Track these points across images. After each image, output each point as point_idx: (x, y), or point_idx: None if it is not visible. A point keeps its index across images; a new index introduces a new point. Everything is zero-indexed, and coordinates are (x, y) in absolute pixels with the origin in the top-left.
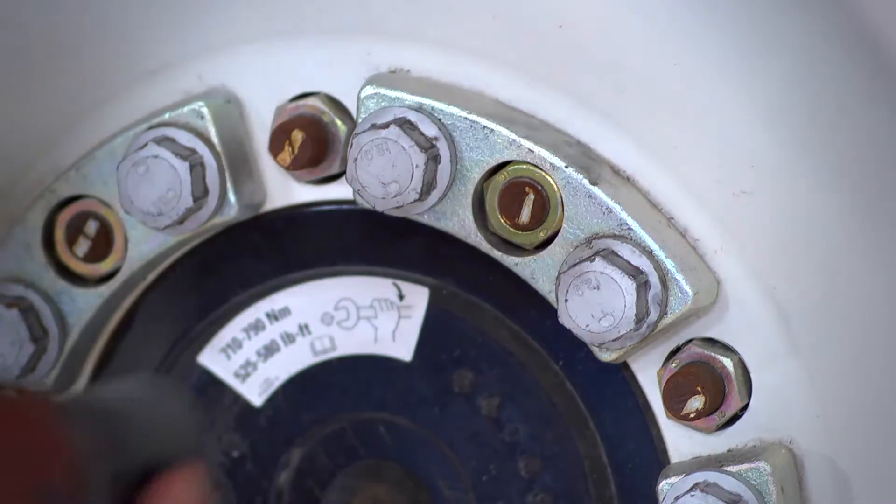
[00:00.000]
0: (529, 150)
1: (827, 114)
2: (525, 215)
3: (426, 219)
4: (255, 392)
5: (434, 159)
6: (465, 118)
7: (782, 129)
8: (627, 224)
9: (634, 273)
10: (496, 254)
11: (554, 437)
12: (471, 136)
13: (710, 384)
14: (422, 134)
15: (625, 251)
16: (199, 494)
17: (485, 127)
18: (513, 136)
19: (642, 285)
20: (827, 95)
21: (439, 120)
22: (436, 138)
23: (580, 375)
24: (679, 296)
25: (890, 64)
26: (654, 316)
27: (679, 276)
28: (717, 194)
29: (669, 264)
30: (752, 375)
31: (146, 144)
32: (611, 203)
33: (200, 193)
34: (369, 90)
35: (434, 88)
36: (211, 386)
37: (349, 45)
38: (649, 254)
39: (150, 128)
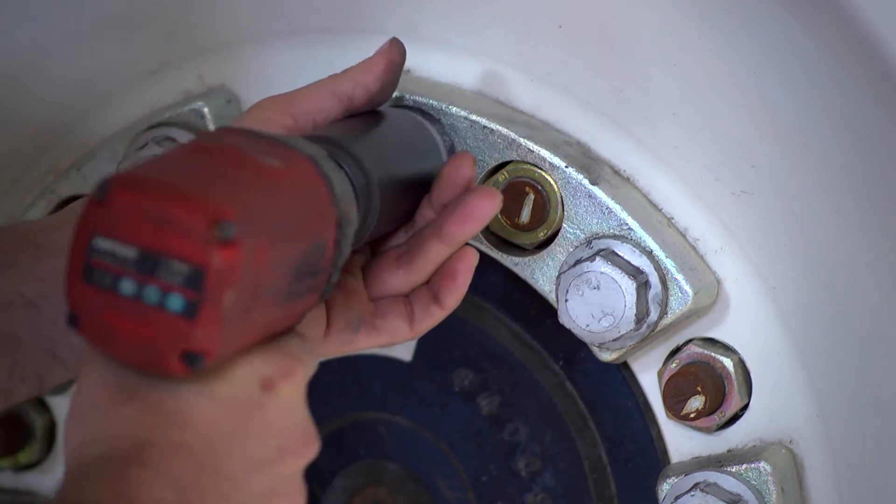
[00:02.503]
0: (529, 149)
1: (827, 114)
2: (525, 215)
3: None
4: None
5: (644, 286)
6: (465, 118)
7: (782, 130)
8: (627, 224)
9: (634, 273)
10: (496, 254)
11: (554, 437)
12: (471, 136)
13: (710, 384)
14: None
15: (625, 251)
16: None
17: (485, 127)
18: (513, 135)
19: (642, 285)
20: (827, 96)
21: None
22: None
23: (580, 375)
24: (679, 295)
25: (888, 65)
26: (654, 316)
27: (679, 276)
28: (718, 194)
29: (669, 264)
30: (753, 375)
31: (146, 144)
32: (611, 203)
33: None
34: None
35: (434, 88)
36: None
37: (350, 46)
38: (649, 254)
39: (151, 127)
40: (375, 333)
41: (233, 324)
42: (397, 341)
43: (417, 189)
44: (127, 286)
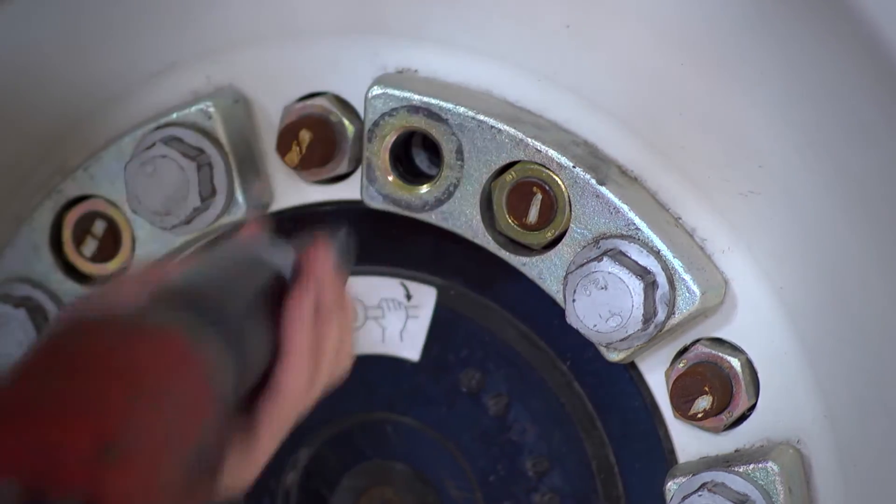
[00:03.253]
0: (537, 149)
1: (834, 114)
2: (533, 215)
3: (433, 219)
4: None
5: (652, 286)
6: (473, 118)
7: (790, 130)
8: (635, 224)
9: (642, 273)
10: (504, 254)
11: (561, 437)
12: (478, 136)
13: (717, 384)
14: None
15: (632, 251)
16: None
17: (492, 127)
18: (520, 135)
19: (650, 285)
20: (833, 97)
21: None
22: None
23: (588, 375)
24: (687, 296)
25: (894, 64)
26: (661, 316)
27: (687, 276)
28: (725, 194)
29: (677, 264)
30: (760, 375)
31: (154, 144)
32: (618, 203)
33: (208, 193)
34: (377, 90)
35: (442, 89)
36: None
37: (357, 46)
38: (657, 254)
39: (158, 128)
40: None
41: None
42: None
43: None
44: None
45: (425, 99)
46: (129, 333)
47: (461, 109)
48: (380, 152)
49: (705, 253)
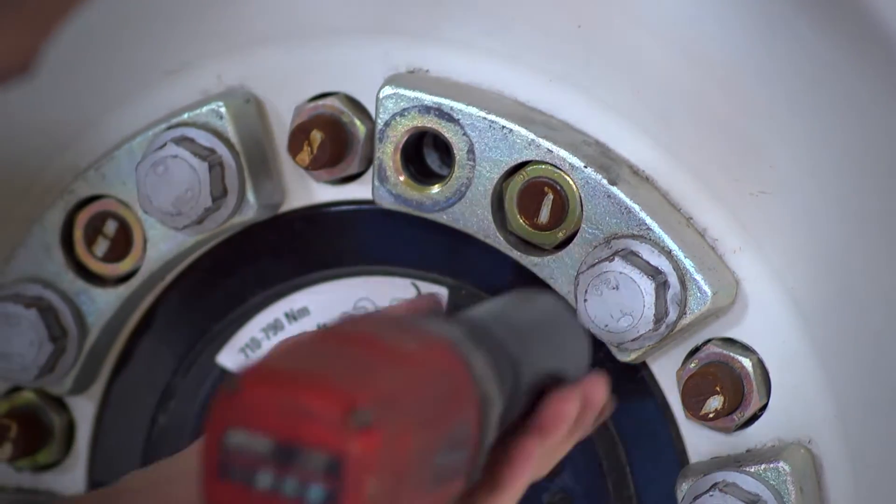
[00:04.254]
0: (548, 149)
1: (846, 114)
2: (544, 215)
3: (445, 219)
4: None
5: (663, 286)
6: (484, 118)
7: (802, 130)
8: (646, 224)
9: (653, 273)
10: (515, 254)
11: None
12: (490, 136)
13: (728, 384)
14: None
15: (644, 251)
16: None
17: (504, 127)
18: (532, 136)
19: (661, 285)
20: (846, 96)
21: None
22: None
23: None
24: (698, 296)
25: None
26: (673, 316)
27: (698, 276)
28: (736, 194)
29: (688, 264)
30: (771, 375)
31: (165, 144)
32: (630, 203)
33: (219, 193)
34: (388, 90)
35: (453, 88)
36: None
37: (368, 46)
38: (668, 254)
39: (169, 128)
40: None
41: None
42: None
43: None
44: (264, 480)
45: (437, 99)
46: (400, 326)
47: (472, 109)
48: (391, 152)
49: (717, 253)
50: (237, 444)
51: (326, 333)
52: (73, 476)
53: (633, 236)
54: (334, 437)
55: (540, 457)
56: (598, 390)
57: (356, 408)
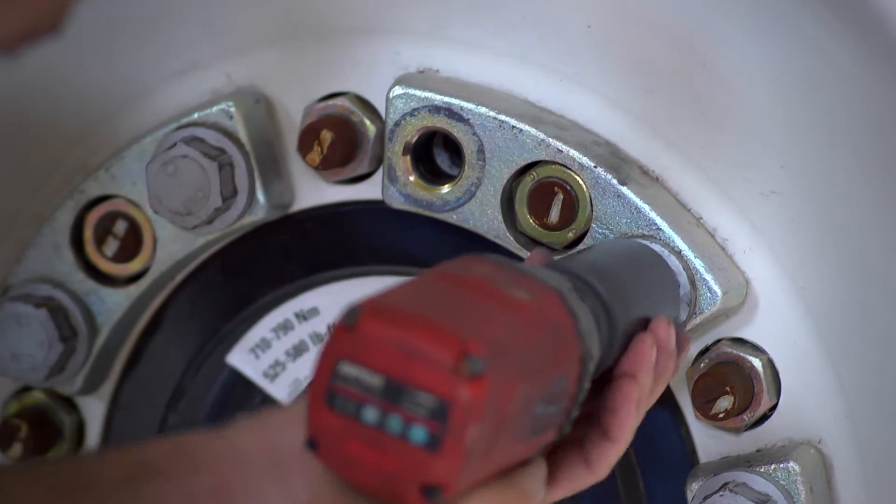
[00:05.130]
0: (558, 149)
1: (856, 113)
2: (554, 215)
3: (455, 219)
4: (283, 392)
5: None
6: (494, 118)
7: (812, 129)
8: (656, 224)
9: None
10: (525, 254)
11: None
12: (500, 136)
13: (738, 384)
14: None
15: (658, 250)
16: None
17: (514, 127)
18: (542, 135)
19: (676, 284)
20: (856, 96)
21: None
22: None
23: None
24: (708, 296)
25: None
26: (683, 316)
27: (708, 276)
28: (747, 194)
29: (698, 264)
30: (782, 375)
31: (175, 144)
32: (640, 203)
33: (229, 193)
34: (398, 90)
35: (463, 88)
36: (240, 386)
37: (378, 46)
38: (678, 254)
39: (179, 128)
40: (557, 488)
41: (475, 459)
42: (580, 488)
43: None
44: (370, 414)
45: (447, 99)
46: (513, 274)
47: (483, 109)
48: (401, 152)
49: (727, 253)
50: (348, 376)
51: (442, 274)
52: None
53: (643, 236)
54: (444, 381)
55: (637, 402)
56: (664, 331)
57: (469, 355)
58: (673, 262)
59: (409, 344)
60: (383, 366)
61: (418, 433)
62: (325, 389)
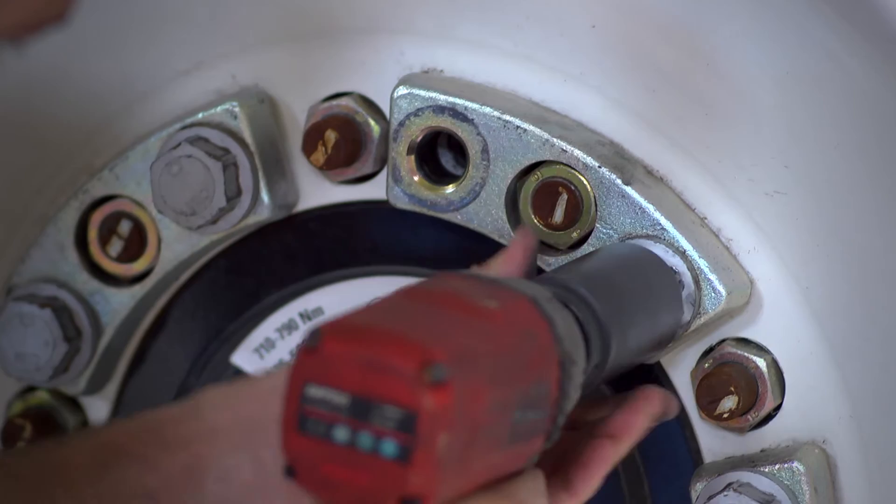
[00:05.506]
0: (563, 149)
1: (861, 113)
2: (558, 215)
3: (459, 219)
4: None
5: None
6: (499, 118)
7: (817, 129)
8: (661, 224)
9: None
10: None
11: None
12: (504, 136)
13: (743, 384)
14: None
15: (658, 251)
16: None
17: (518, 127)
18: (546, 135)
19: (676, 285)
20: (861, 96)
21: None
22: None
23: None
24: (712, 296)
25: None
26: (687, 316)
27: (712, 276)
28: (751, 194)
29: (703, 264)
30: (786, 375)
31: (180, 144)
32: (644, 203)
33: (234, 193)
34: (402, 90)
35: (467, 88)
36: None
37: (382, 46)
38: (682, 254)
39: (184, 128)
40: None
41: (449, 467)
42: None
43: (652, 335)
44: (340, 433)
45: (451, 99)
46: (485, 285)
47: (487, 109)
48: (405, 152)
49: (731, 253)
50: (316, 398)
51: (409, 291)
52: None
53: (648, 236)
54: (408, 391)
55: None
56: (660, 405)
57: (431, 363)
58: (677, 262)
59: (371, 359)
60: (348, 384)
61: (388, 447)
62: (296, 414)
